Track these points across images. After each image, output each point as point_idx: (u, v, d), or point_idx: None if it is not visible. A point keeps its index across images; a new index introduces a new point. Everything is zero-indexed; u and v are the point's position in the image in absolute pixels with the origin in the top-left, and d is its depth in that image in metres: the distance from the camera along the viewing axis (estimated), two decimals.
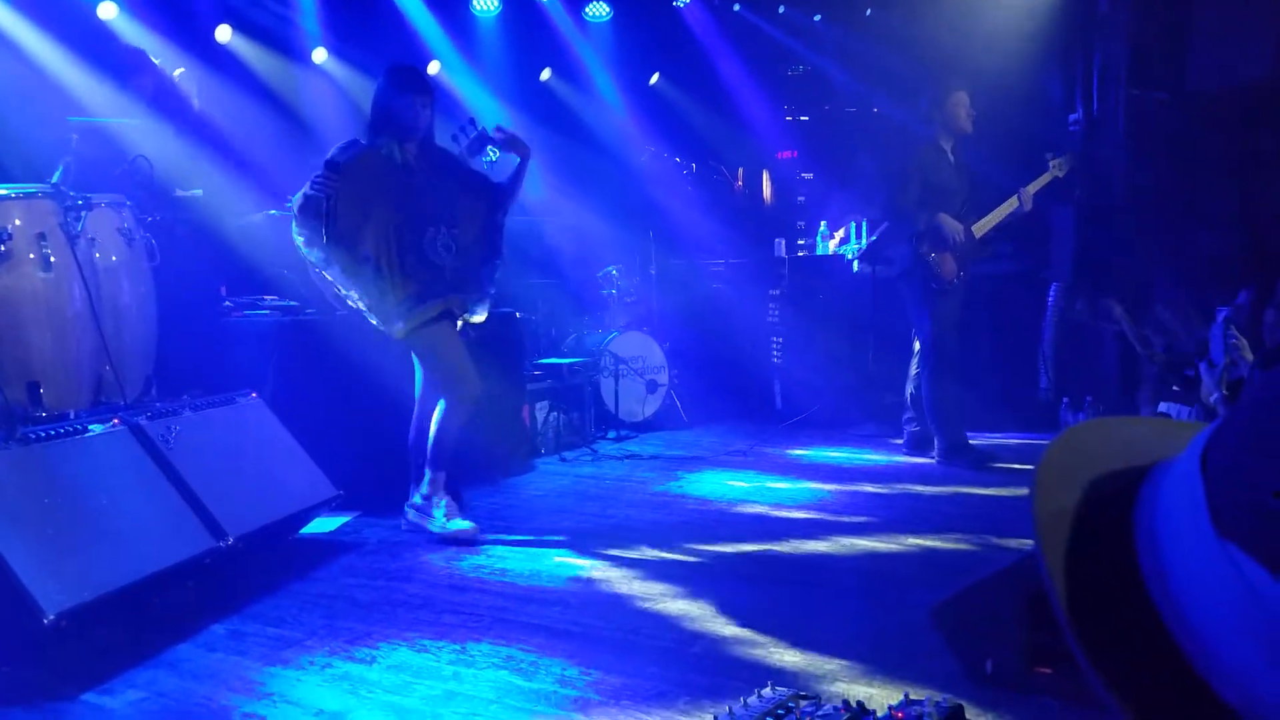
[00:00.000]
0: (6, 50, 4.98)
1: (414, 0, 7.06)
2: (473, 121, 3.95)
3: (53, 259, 3.43)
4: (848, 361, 6.29)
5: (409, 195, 3.65)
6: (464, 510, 4.20)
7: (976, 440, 5.16)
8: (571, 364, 6.06)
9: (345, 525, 4.05)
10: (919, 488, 4.65)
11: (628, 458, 5.52)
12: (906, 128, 7.11)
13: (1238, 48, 5.31)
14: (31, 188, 3.55)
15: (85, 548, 2.70)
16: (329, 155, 4.08)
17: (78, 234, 3.50)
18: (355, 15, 6.83)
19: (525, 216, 6.93)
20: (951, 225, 4.85)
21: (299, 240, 3.69)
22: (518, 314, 5.98)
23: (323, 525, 3.94)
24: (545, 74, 7.95)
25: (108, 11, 5.77)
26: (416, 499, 3.87)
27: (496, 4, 7.44)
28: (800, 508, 4.32)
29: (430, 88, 3.79)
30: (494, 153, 5.47)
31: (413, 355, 3.85)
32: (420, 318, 3.63)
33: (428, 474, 3.80)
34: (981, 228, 4.95)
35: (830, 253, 7.02)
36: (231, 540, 3.11)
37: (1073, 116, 5.88)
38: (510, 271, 6.43)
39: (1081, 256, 5.73)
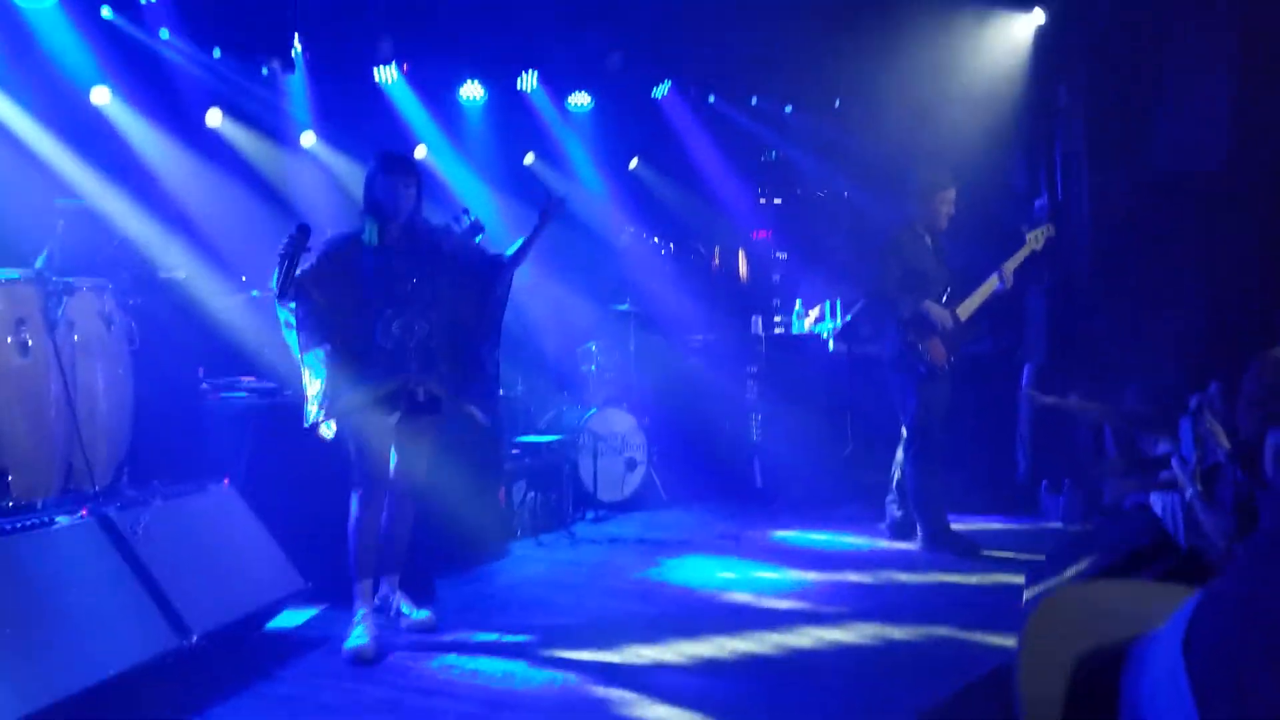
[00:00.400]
0: None
1: (402, 88, 7.26)
2: (466, 211, 4.01)
3: (30, 344, 3.44)
4: (827, 440, 6.33)
5: (374, 278, 3.63)
6: (432, 602, 4.14)
7: (958, 525, 5.16)
8: (550, 442, 6.06)
9: (314, 618, 3.96)
10: (903, 576, 4.63)
11: (606, 541, 5.48)
12: (872, 210, 7.35)
13: (1196, 133, 5.51)
14: (14, 273, 3.56)
15: (45, 649, 2.64)
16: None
17: (57, 319, 3.51)
18: (343, 101, 7.00)
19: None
20: (939, 312, 4.90)
21: (280, 316, 3.67)
22: (499, 391, 6.01)
23: (290, 619, 3.87)
24: (529, 158, 8.15)
25: (101, 96, 5.89)
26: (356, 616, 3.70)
27: (483, 94, 7.66)
28: (783, 597, 4.28)
29: (414, 169, 3.82)
30: (480, 238, 5.59)
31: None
32: (347, 405, 3.55)
33: (354, 585, 3.67)
34: (966, 310, 5.01)
35: (806, 331, 7.12)
36: (196, 638, 3.06)
37: (1038, 201, 6.05)
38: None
39: (1053, 338, 5.84)
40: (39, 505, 3.31)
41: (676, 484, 6.65)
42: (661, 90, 8.01)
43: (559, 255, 7.67)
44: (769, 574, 4.68)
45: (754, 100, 8.06)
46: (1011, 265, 5.03)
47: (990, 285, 5.04)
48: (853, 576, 4.63)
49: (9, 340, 3.41)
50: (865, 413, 6.18)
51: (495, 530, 5.34)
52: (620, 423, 6.45)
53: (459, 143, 7.65)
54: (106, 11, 5.79)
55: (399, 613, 3.80)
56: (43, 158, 5.28)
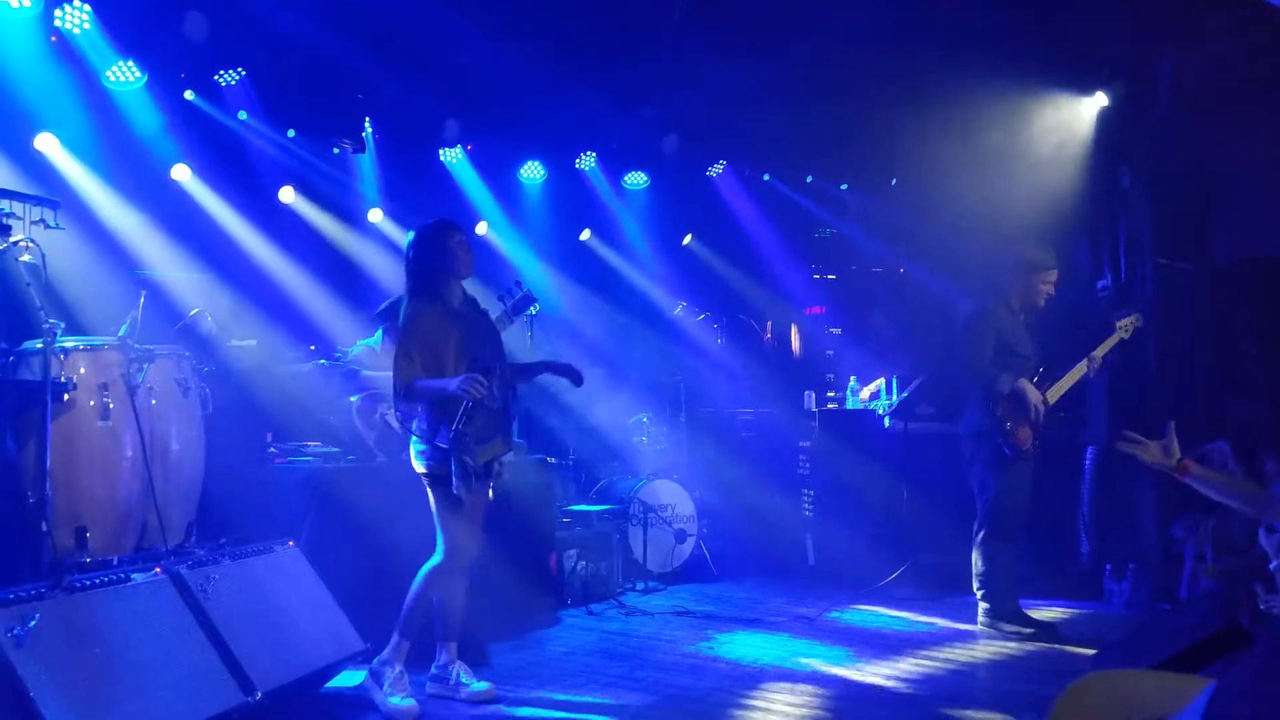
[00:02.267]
0: (82, 209, 5.35)
1: (465, 168, 7.56)
2: (519, 283, 4.13)
3: (111, 407, 3.60)
4: (882, 518, 6.23)
5: (469, 341, 3.70)
6: (486, 667, 4.15)
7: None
8: (600, 511, 6.07)
9: None
10: (963, 658, 4.50)
11: (656, 613, 5.43)
12: (929, 288, 7.36)
13: (1260, 219, 5.47)
14: (99, 340, 3.76)
15: (118, 701, 2.71)
16: (386, 308, 4.28)
17: (138, 384, 3.68)
18: (410, 179, 7.30)
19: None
20: (1034, 394, 4.80)
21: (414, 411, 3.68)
22: (549, 459, 6.07)
23: (348, 679, 3.90)
24: (585, 234, 8.37)
25: (181, 174, 6.23)
26: (375, 661, 3.70)
27: (543, 173, 7.94)
28: (838, 677, 4.19)
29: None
30: (534, 308, 5.73)
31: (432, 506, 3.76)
32: (486, 454, 3.62)
33: (394, 639, 3.67)
34: (1055, 393, 4.90)
35: (861, 406, 7.09)
36: (260, 696, 3.10)
37: (1101, 283, 6.01)
38: (544, 417, 6.62)
39: (1116, 422, 5.74)
40: (115, 562, 3.42)
41: (727, 558, 6.58)
42: (716, 169, 8.21)
43: (611, 327, 7.83)
44: (822, 652, 4.59)
45: (809, 178, 8.22)
46: (1100, 352, 4.94)
47: (1079, 371, 4.94)
48: (910, 658, 4.51)
49: (92, 404, 3.58)
50: (922, 490, 6.09)
51: (546, 597, 5.34)
52: (670, 494, 6.46)
53: (518, 219, 7.91)
54: (189, 94, 6.16)
55: (459, 681, 3.80)
56: (127, 231, 5.58)
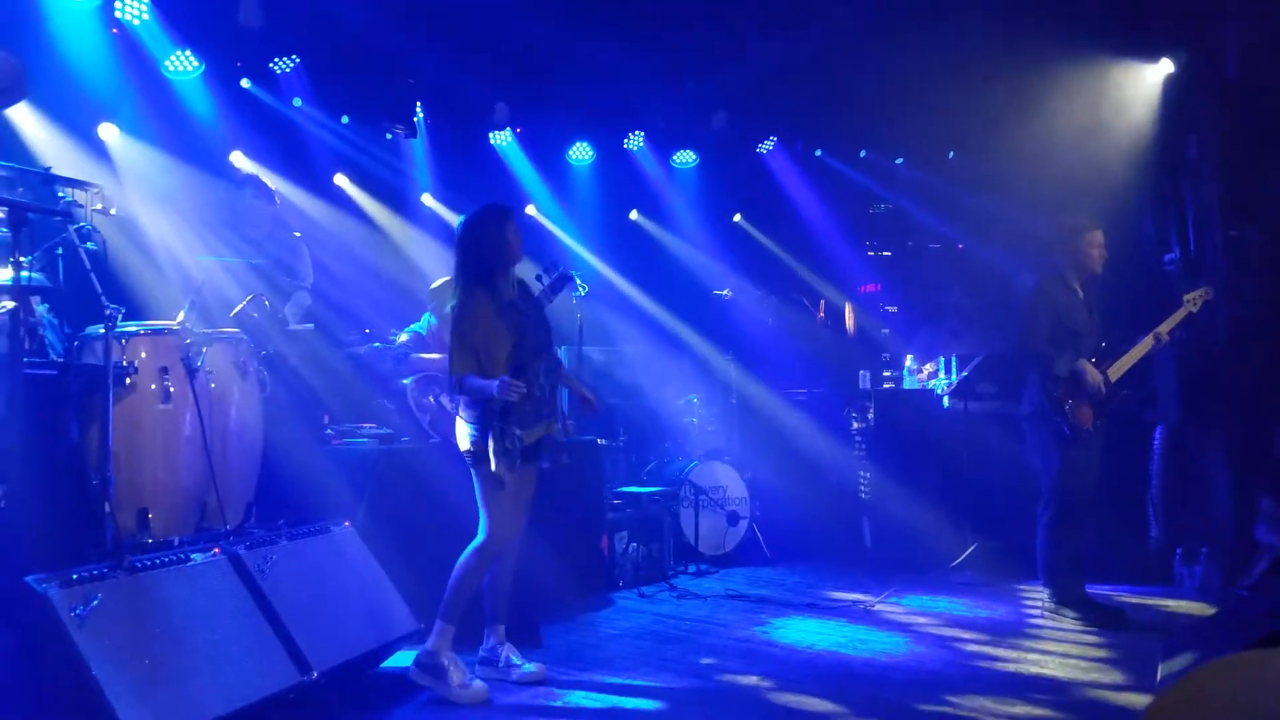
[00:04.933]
0: (142, 196, 5.47)
1: (515, 150, 7.56)
2: (555, 263, 4.09)
3: (172, 390, 3.67)
4: (940, 501, 6.09)
5: (513, 327, 3.67)
6: (538, 649, 4.17)
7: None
8: (651, 493, 6.05)
9: None
10: (1025, 644, 4.38)
11: (709, 596, 5.39)
12: (990, 263, 7.15)
13: None
14: (159, 325, 3.83)
15: (178, 679, 2.76)
16: (433, 291, 4.28)
17: (197, 368, 3.74)
18: (460, 163, 7.34)
19: (608, 345, 7.14)
20: (1094, 375, 4.66)
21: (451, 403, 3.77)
22: (600, 440, 6.07)
23: (404, 659, 3.93)
24: (633, 214, 8.32)
25: (238, 160, 6.33)
26: (421, 654, 3.65)
27: (591, 154, 7.90)
28: (894, 665, 4.10)
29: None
30: (584, 287, 5.70)
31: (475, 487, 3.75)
32: (532, 436, 3.63)
33: (438, 625, 3.64)
34: (1117, 371, 4.75)
35: (919, 386, 6.93)
36: (316, 675, 3.14)
37: (1168, 256, 5.78)
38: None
39: (1187, 399, 5.51)
40: (175, 542, 3.49)
41: (780, 541, 6.52)
42: (766, 146, 8.08)
43: (660, 308, 7.79)
44: (880, 639, 4.50)
45: (862, 153, 8.05)
46: (1167, 328, 4.77)
47: (1145, 347, 4.77)
48: (970, 645, 4.40)
49: (153, 387, 3.65)
50: (982, 472, 5.94)
51: (598, 579, 5.35)
52: (722, 476, 6.40)
53: (566, 200, 7.90)
54: (245, 82, 6.26)
55: (509, 663, 3.81)
56: (186, 217, 5.68)
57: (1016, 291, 5.91)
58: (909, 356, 7.12)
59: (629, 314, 7.66)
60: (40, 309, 3.77)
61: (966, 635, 4.56)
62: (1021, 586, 5.44)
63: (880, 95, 6.82)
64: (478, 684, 3.59)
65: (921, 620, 4.87)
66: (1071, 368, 4.66)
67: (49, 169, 3.83)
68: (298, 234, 5.61)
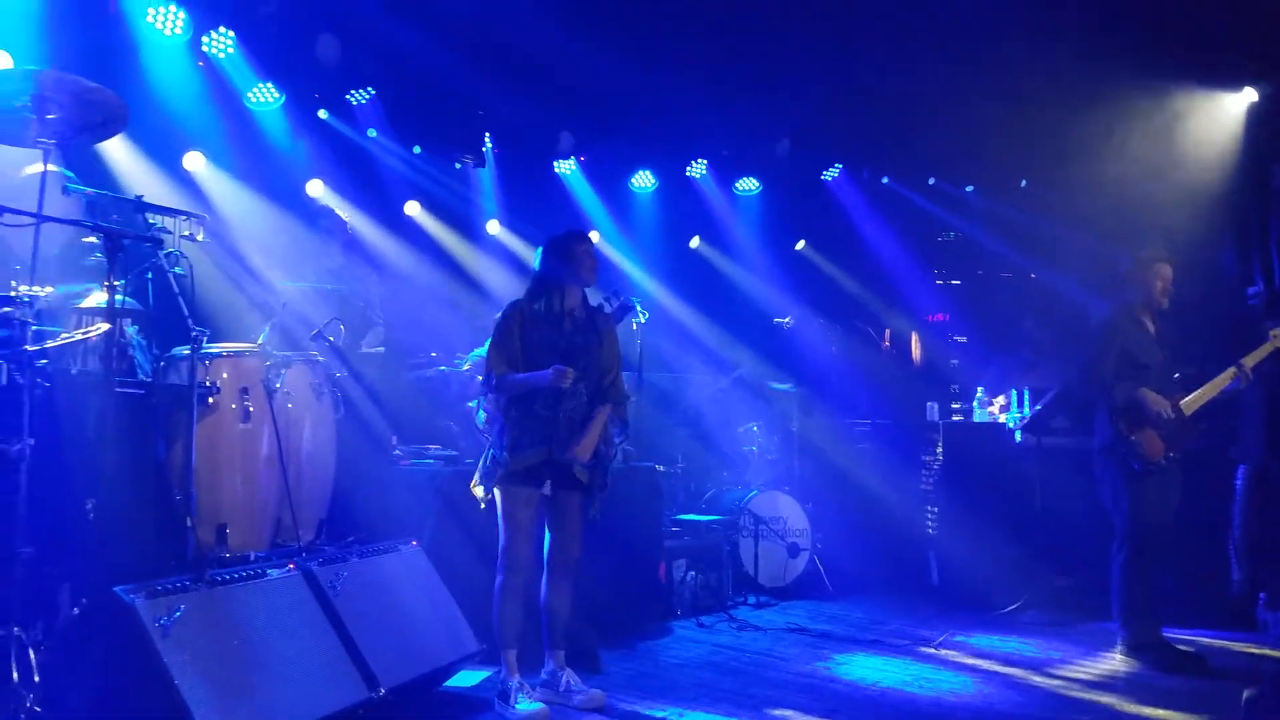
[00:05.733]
0: (225, 222, 5.69)
1: (578, 178, 7.68)
2: (617, 292, 4.13)
3: (251, 410, 3.79)
4: (1011, 538, 5.92)
5: (548, 346, 3.74)
6: (598, 674, 4.16)
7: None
8: (710, 521, 6.01)
9: (487, 680, 4.06)
10: (1096, 690, 4.23)
11: (769, 629, 5.32)
12: (1065, 294, 6.99)
13: None
14: (241, 347, 3.97)
15: (253, 691, 2.83)
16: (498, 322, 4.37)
17: (275, 389, 3.86)
18: (525, 191, 7.49)
19: (668, 373, 7.15)
20: (1155, 401, 4.53)
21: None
22: (658, 467, 6.06)
23: (466, 679, 3.97)
24: (694, 242, 8.36)
25: (315, 189, 6.55)
26: (495, 682, 3.77)
27: (654, 182, 7.98)
28: (961, 706, 3.98)
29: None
30: (644, 314, 5.74)
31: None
32: (513, 465, 3.65)
33: (501, 652, 3.73)
34: (1192, 404, 4.60)
35: (989, 419, 6.78)
36: (383, 692, 3.19)
37: (1252, 290, 5.59)
38: (651, 425, 6.63)
39: (1273, 437, 5.30)
40: (251, 557, 3.59)
41: (843, 574, 6.40)
42: (832, 173, 8.06)
43: (720, 336, 7.78)
44: (946, 679, 4.38)
45: (931, 181, 7.98)
46: (1251, 362, 4.60)
47: (1225, 379, 4.61)
48: (1041, 689, 4.25)
49: (234, 407, 3.78)
50: (1056, 508, 5.77)
51: (656, 607, 5.32)
52: (783, 506, 6.34)
53: (628, 228, 7.98)
54: (323, 113, 6.48)
55: (569, 688, 3.81)
56: (266, 243, 5.89)
57: (1090, 323, 5.77)
58: (979, 389, 6.98)
59: (689, 341, 7.68)
60: (130, 330, 3.93)
61: (1037, 677, 4.41)
62: (1096, 628, 5.26)
63: (951, 122, 6.76)
64: (535, 707, 3.60)
65: (990, 660, 4.73)
66: (1129, 396, 4.54)
67: (140, 197, 4.01)
68: (373, 275, 5.77)
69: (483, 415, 3.86)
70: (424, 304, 6.52)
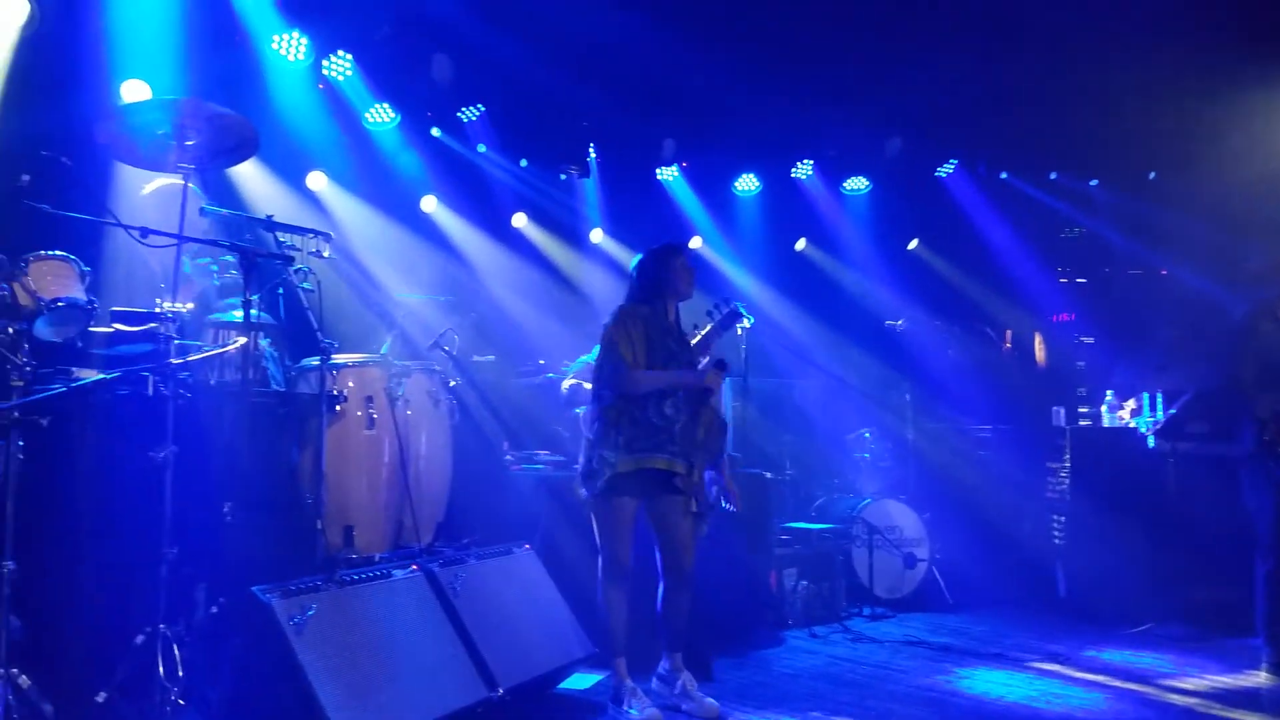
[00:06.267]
0: (347, 238, 5.94)
1: (681, 184, 7.69)
2: (727, 299, 4.12)
3: (375, 417, 3.96)
4: (1144, 548, 5.60)
5: (655, 354, 3.74)
6: (710, 683, 4.13)
7: None
8: (821, 530, 5.90)
9: (599, 684, 4.09)
10: (1241, 716, 3.93)
11: (886, 641, 5.18)
12: (1199, 291, 6.58)
13: None
14: (364, 357, 4.14)
15: (380, 688, 2.93)
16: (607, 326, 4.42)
17: (397, 397, 4.01)
18: (628, 199, 7.55)
19: (776, 378, 7.07)
20: None
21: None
22: (767, 474, 5.99)
23: (579, 682, 4.01)
24: (800, 244, 8.23)
25: (429, 204, 6.78)
26: (607, 687, 3.79)
27: (757, 184, 7.92)
28: None
29: None
30: (749, 319, 5.70)
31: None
32: (623, 466, 3.62)
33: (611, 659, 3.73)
34: None
35: (1120, 424, 6.43)
36: (502, 691, 3.25)
37: None
38: (758, 431, 6.56)
39: None
40: (376, 558, 3.73)
41: (963, 586, 6.17)
42: (946, 169, 7.82)
43: (829, 340, 7.63)
44: (1077, 696, 4.17)
45: (1053, 175, 7.64)
46: None
47: None
48: (1177, 708, 3.99)
49: (359, 414, 3.95)
50: (1193, 517, 5.43)
51: (767, 616, 5.25)
52: (898, 515, 6.16)
53: (732, 232, 7.94)
54: (436, 131, 6.70)
55: (684, 691, 3.80)
56: (385, 258, 6.13)
57: (1228, 322, 5.42)
58: (1108, 392, 6.62)
59: (797, 346, 7.57)
60: (263, 343, 4.15)
61: (1173, 695, 4.16)
62: (1237, 644, 4.92)
63: (1072, 114, 6.46)
64: (652, 711, 3.60)
65: (1122, 676, 4.48)
66: (1274, 407, 4.30)
67: (270, 216, 4.23)
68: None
69: (582, 411, 3.89)
70: (532, 312, 6.65)
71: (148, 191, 4.07)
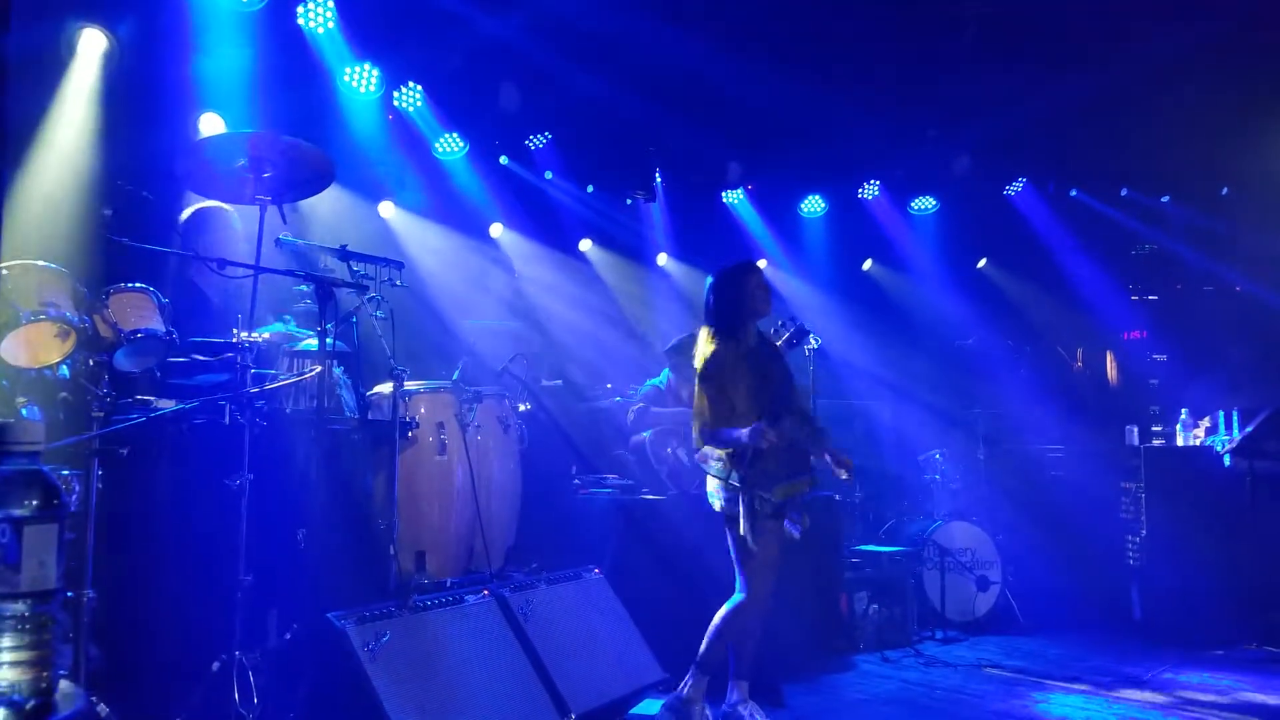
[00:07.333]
0: (418, 266, 6.09)
1: (746, 207, 7.71)
2: (793, 318, 4.09)
3: (447, 443, 4.04)
4: (1222, 569, 5.41)
5: (761, 382, 3.71)
6: (781, 709, 4.10)
7: None
8: (892, 553, 5.82)
9: None
10: None
11: (960, 665, 5.08)
12: (1275, 308, 6.34)
13: None
14: (435, 383, 4.24)
15: (451, 715, 2.99)
16: (672, 347, 4.42)
17: (468, 423, 4.09)
18: (694, 222, 7.59)
19: (843, 400, 7.01)
20: None
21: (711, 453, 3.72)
22: (836, 496, 5.94)
23: (650, 707, 4.01)
24: (867, 264, 8.17)
25: (496, 230, 6.93)
26: (672, 698, 3.72)
27: (823, 206, 7.89)
28: None
29: None
30: (816, 340, 5.66)
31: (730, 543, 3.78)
32: (784, 492, 3.62)
33: (693, 675, 3.69)
34: None
35: (1195, 443, 6.22)
36: (574, 717, 3.28)
37: None
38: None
39: None
40: (448, 583, 3.80)
41: (1037, 608, 6.03)
42: (1015, 187, 7.69)
43: (897, 360, 7.54)
44: (1155, 718, 4.05)
45: (1124, 191, 7.46)
46: None
47: None
48: None
49: (431, 440, 4.03)
50: (1271, 538, 5.23)
51: (837, 640, 5.21)
52: (969, 537, 6.05)
53: (798, 253, 7.92)
54: (504, 159, 6.85)
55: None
56: (455, 285, 6.26)
57: None
58: (1183, 410, 6.41)
59: (864, 366, 7.50)
60: (337, 371, 4.28)
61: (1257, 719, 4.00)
62: None
63: (1142, 130, 6.31)
64: None
65: (1202, 701, 4.33)
66: None
67: (345, 245, 4.35)
68: None
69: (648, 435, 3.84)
70: (599, 336, 6.73)
71: (184, 217, 4.05)
